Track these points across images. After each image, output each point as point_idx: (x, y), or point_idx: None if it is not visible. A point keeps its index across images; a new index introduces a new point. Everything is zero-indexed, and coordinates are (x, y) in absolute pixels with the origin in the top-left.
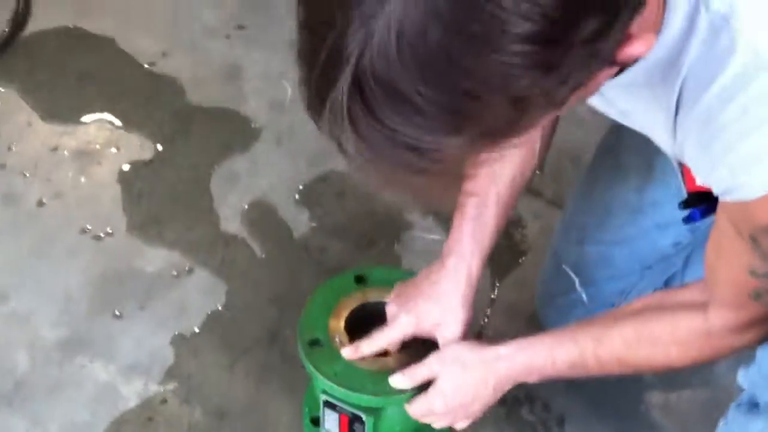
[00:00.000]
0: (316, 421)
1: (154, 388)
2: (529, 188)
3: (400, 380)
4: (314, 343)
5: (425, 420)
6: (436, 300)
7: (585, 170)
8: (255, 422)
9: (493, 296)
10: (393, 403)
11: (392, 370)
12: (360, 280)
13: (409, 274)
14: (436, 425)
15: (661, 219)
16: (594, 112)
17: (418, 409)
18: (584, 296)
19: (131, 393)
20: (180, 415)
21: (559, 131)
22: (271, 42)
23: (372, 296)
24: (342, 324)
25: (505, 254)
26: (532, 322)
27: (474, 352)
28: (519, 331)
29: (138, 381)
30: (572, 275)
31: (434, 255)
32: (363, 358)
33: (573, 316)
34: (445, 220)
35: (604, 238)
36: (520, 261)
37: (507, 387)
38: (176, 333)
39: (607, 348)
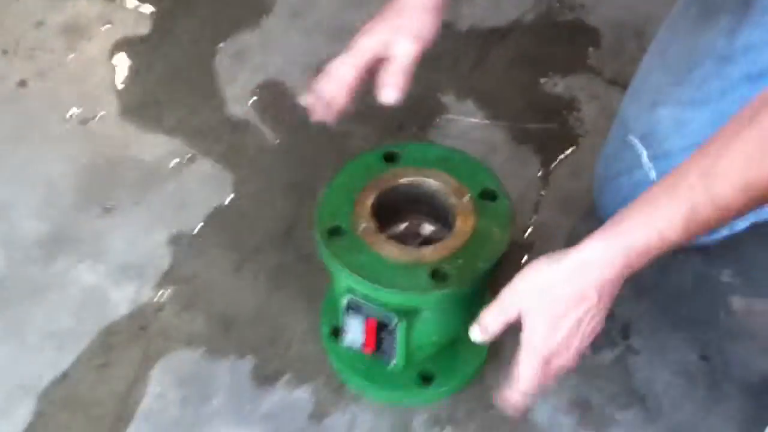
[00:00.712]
0: (336, 333)
1: (148, 293)
2: (585, 65)
3: (477, 332)
4: (335, 231)
5: (538, 378)
6: (397, 13)
7: (661, 27)
8: (265, 333)
9: (542, 192)
10: (431, 303)
11: (430, 263)
12: (390, 158)
13: (450, 151)
14: (552, 372)
15: (754, 68)
16: None
17: (525, 371)
18: (653, 173)
19: (122, 298)
20: (178, 325)
21: (622, 1)
22: None
23: (404, 176)
24: (368, 209)
25: (556, 140)
26: (589, 217)
27: (553, 268)
28: (575, 227)
29: (130, 285)
30: (639, 146)
31: (472, 139)
32: (394, 248)
33: None
34: (484, 103)
35: (682, 96)
36: (574, 147)
37: (615, 290)
38: (175, 230)
39: (724, 180)
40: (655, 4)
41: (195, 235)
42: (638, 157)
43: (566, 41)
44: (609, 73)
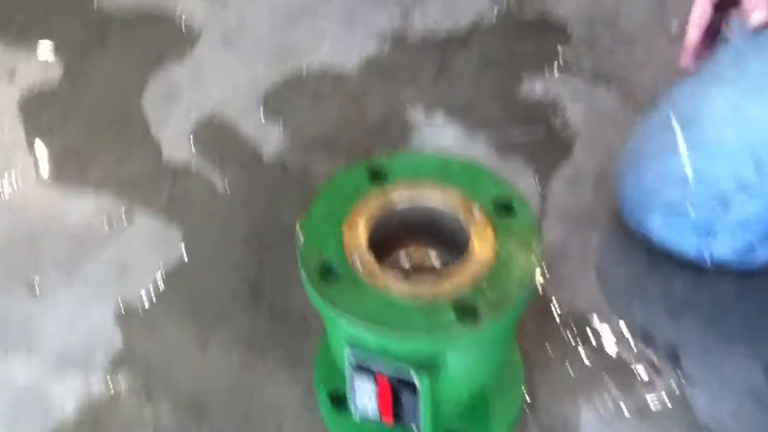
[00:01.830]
0: (338, 401)
1: (98, 383)
2: (559, 63)
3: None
4: (326, 270)
5: None
6: None
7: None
8: (246, 416)
9: (542, 208)
10: (461, 347)
11: (451, 297)
12: (376, 174)
13: (446, 158)
14: None
15: None
16: None
17: None
18: (688, 166)
19: (66, 394)
20: (140, 416)
21: None
22: None
23: (398, 194)
24: (362, 238)
25: (546, 148)
26: (600, 228)
27: None
28: (587, 242)
29: (74, 376)
30: (680, 132)
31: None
32: (402, 283)
33: (666, 193)
34: (457, 114)
35: (749, 84)
36: (568, 154)
37: None
38: (120, 303)
39: None
40: None
41: (143, 307)
42: (674, 140)
43: (534, 40)
44: (587, 68)
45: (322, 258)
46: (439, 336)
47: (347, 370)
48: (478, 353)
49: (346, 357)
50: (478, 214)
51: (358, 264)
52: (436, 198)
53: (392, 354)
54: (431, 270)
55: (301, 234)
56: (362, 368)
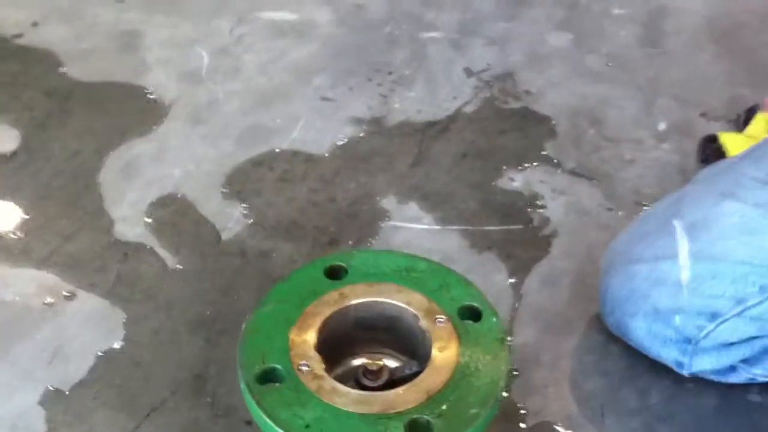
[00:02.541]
0: None
1: None
2: (541, 157)
3: None
4: (268, 376)
5: None
6: None
7: None
8: None
9: (516, 304)
10: None
11: (404, 413)
12: (334, 273)
13: (410, 258)
14: None
15: None
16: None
17: None
18: (685, 274)
19: None
20: None
21: (571, 87)
22: (178, 6)
23: (355, 296)
24: (311, 342)
25: (523, 244)
26: (575, 334)
27: None
28: (560, 348)
29: None
30: (682, 235)
31: (422, 249)
32: (351, 395)
33: (654, 300)
34: (431, 205)
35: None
36: (545, 252)
37: None
38: (50, 387)
39: None
40: (607, 89)
41: (75, 393)
42: (674, 246)
43: (517, 131)
44: (570, 163)
45: (264, 361)
46: None
47: None
48: None
49: None
50: (442, 321)
51: (304, 370)
52: (397, 301)
53: None
54: (386, 380)
55: (244, 332)
56: None
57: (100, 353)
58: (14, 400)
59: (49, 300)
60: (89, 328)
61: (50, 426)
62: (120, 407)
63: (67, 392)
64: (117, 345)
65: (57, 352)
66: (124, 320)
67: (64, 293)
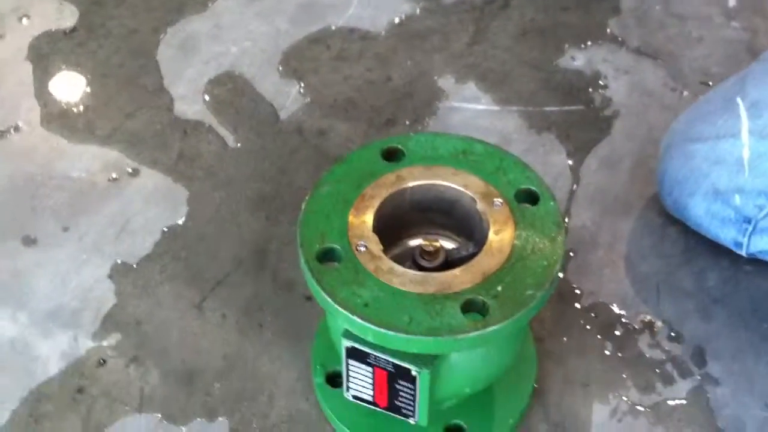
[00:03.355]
0: (334, 380)
1: (85, 344)
2: (605, 34)
3: None
4: (326, 255)
5: None
6: None
7: None
8: (239, 388)
9: (574, 188)
10: (465, 347)
11: (460, 293)
12: (391, 155)
13: (468, 141)
14: None
15: None
16: None
17: None
18: (745, 152)
19: (52, 353)
20: (127, 383)
21: None
22: None
23: (413, 178)
24: (369, 224)
25: (583, 125)
26: (633, 215)
27: None
28: (618, 230)
29: (62, 335)
30: (744, 114)
31: (480, 129)
32: (408, 275)
33: (714, 179)
34: (490, 85)
35: None
36: (605, 133)
37: None
38: (117, 261)
39: None
40: None
41: (142, 266)
42: (736, 125)
43: (580, 8)
44: (635, 42)
45: (324, 241)
46: (444, 336)
47: (342, 356)
48: (486, 352)
49: (342, 344)
50: (498, 204)
51: (362, 250)
52: (455, 184)
53: (390, 347)
54: (443, 261)
55: (304, 213)
56: (357, 356)
57: (164, 228)
58: (84, 273)
59: (113, 176)
60: (153, 204)
61: (120, 298)
62: (186, 281)
63: (134, 266)
64: (181, 221)
65: (123, 226)
66: (186, 197)
67: (128, 170)
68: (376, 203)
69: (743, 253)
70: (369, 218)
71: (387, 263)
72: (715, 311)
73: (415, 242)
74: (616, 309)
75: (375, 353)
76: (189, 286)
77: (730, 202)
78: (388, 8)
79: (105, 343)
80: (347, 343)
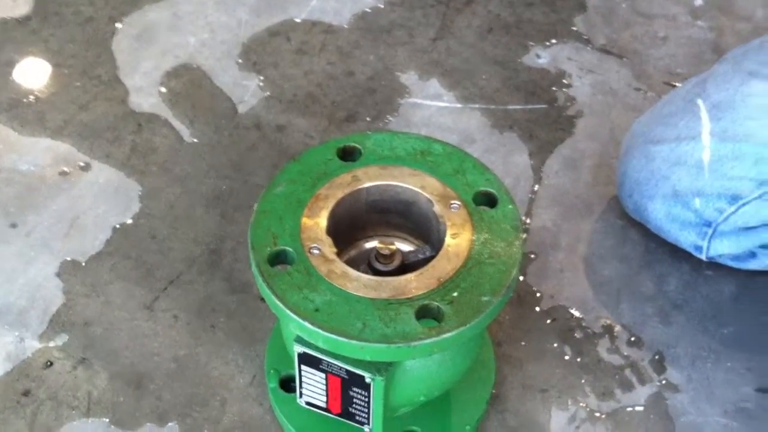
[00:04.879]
0: (288, 385)
1: (32, 345)
2: (570, 32)
3: None
4: (278, 258)
5: None
6: None
7: None
8: (190, 391)
9: (535, 189)
10: (420, 354)
11: (414, 299)
12: (348, 154)
13: (427, 141)
14: None
15: None
16: None
17: None
18: (705, 154)
19: None
20: (74, 386)
21: None
22: None
23: (368, 179)
24: (322, 225)
25: (546, 124)
26: (594, 217)
27: None
28: (580, 231)
29: (8, 334)
30: (706, 115)
31: (442, 127)
32: (361, 279)
33: (674, 181)
34: (453, 81)
35: None
36: (568, 133)
37: None
38: (66, 259)
39: None
40: None
41: (92, 265)
42: (696, 127)
43: (545, 4)
44: (600, 40)
45: (275, 243)
46: (397, 346)
47: (295, 362)
48: (442, 358)
49: (294, 349)
50: (456, 207)
51: (315, 253)
52: (411, 185)
53: (343, 355)
54: (399, 265)
55: (255, 213)
56: (309, 361)
57: (116, 225)
58: (31, 271)
59: (64, 170)
60: (105, 200)
61: (68, 297)
62: (137, 280)
63: (83, 264)
64: (133, 218)
65: (73, 223)
66: (139, 192)
67: (79, 164)
68: (331, 204)
69: (703, 257)
70: (323, 220)
71: (340, 267)
72: (675, 316)
73: (370, 245)
74: (575, 313)
75: (327, 359)
76: (140, 286)
77: (690, 205)
78: (352, 1)
79: (52, 344)
80: (299, 348)
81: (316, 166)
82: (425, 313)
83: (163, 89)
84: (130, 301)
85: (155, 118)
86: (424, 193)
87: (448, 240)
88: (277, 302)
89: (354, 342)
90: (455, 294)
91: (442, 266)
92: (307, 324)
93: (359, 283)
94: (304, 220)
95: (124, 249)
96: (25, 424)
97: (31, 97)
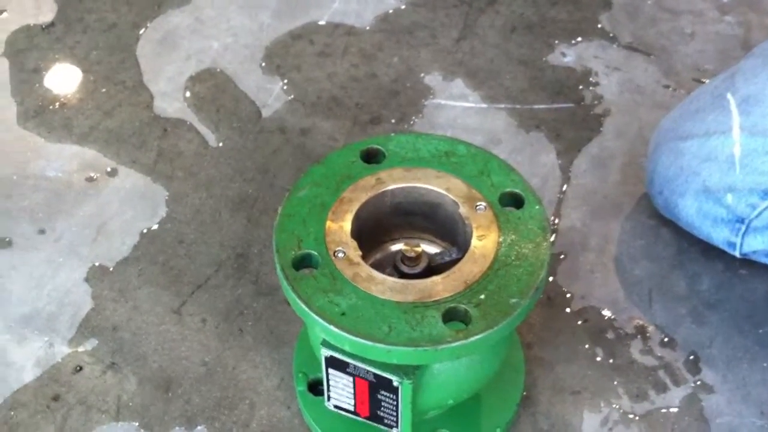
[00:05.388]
0: (317, 388)
1: (62, 349)
2: (596, 30)
3: None
4: (302, 262)
5: None
6: None
7: None
8: (219, 395)
9: (564, 189)
10: (447, 357)
11: (441, 301)
12: (371, 156)
13: (451, 142)
14: None
15: None
16: None
17: None
18: (736, 149)
19: (26, 359)
20: (104, 390)
21: None
22: None
23: (393, 181)
24: (347, 228)
25: (573, 123)
26: (623, 216)
27: None
28: (609, 231)
29: (36, 341)
30: (735, 110)
31: (467, 128)
32: (387, 282)
33: (704, 177)
34: (478, 82)
35: None
36: (596, 132)
37: None
38: (94, 264)
39: None
40: None
41: (119, 270)
42: (727, 122)
43: (569, 3)
44: (626, 37)
45: (300, 247)
46: (424, 349)
47: (322, 365)
48: (470, 361)
49: (321, 353)
50: (482, 208)
51: (340, 257)
52: (436, 187)
53: (370, 361)
54: (425, 267)
55: (280, 217)
56: (336, 365)
57: (143, 230)
58: (60, 276)
59: (91, 176)
60: (132, 205)
61: (96, 302)
62: (164, 284)
63: (111, 269)
64: (159, 223)
65: (100, 228)
66: (166, 198)
67: (106, 169)
68: (355, 207)
69: (736, 253)
70: (347, 223)
71: (366, 270)
72: (709, 316)
73: (396, 247)
74: (607, 313)
75: (355, 363)
76: (167, 291)
77: (722, 201)
78: (374, 3)
79: (81, 349)
80: (326, 352)
81: (340, 169)
82: (452, 316)
83: (188, 94)
84: (158, 306)
85: (180, 123)
86: (450, 195)
87: (475, 242)
88: (303, 306)
89: (380, 345)
90: (482, 296)
91: (469, 268)
92: (333, 328)
93: (385, 286)
94: (329, 224)
95: (152, 254)
96: (55, 428)
97: (57, 104)
